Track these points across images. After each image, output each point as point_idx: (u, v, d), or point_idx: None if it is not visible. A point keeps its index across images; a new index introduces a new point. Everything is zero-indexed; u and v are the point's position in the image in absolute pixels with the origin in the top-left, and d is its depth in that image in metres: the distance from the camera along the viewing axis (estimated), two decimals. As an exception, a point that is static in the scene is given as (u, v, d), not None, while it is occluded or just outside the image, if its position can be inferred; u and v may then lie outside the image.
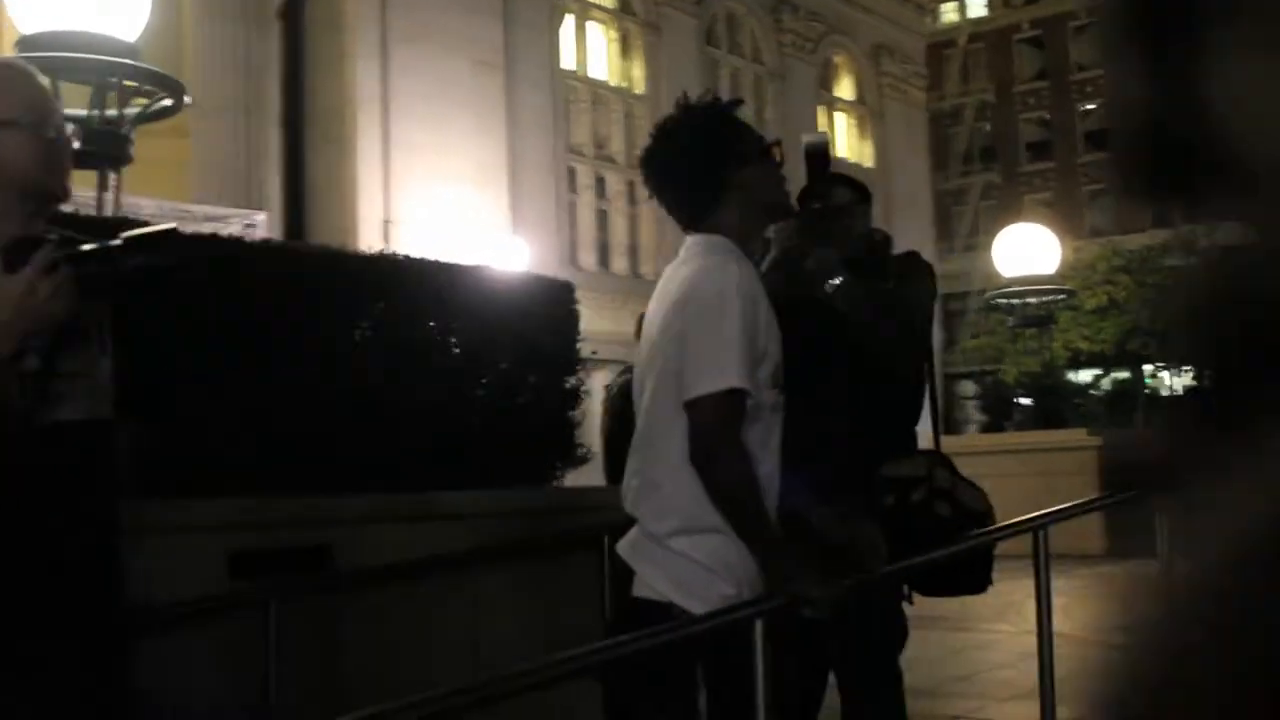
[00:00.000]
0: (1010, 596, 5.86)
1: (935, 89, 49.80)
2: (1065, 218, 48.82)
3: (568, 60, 28.60)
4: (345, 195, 22.61)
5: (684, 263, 3.10)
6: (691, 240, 3.12)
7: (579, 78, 29.00)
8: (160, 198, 19.33)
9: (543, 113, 26.89)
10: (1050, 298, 17.81)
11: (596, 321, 30.74)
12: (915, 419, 4.15)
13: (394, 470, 4.65)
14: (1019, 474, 13.56)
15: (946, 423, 27.45)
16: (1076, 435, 15.29)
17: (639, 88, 30.39)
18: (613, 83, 30.10)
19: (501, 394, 5.31)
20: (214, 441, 4.24)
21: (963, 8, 53.66)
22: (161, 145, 21.81)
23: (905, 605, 4.06)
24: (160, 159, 21.70)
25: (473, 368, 5.26)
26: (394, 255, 5.57)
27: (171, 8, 21.41)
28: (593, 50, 29.75)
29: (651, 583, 2.97)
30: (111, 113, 7.88)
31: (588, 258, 28.44)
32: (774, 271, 3.81)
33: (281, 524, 4.33)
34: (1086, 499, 5.33)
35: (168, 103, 8.33)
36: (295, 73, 23.95)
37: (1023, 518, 4.27)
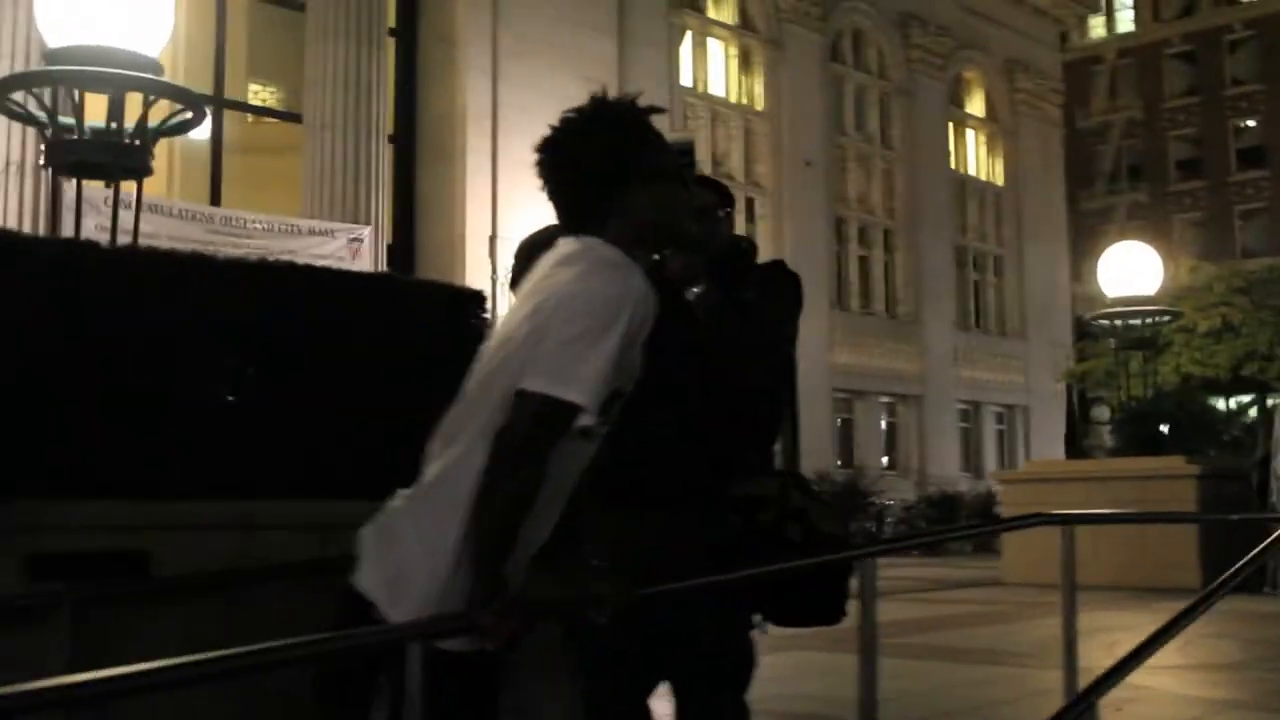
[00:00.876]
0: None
1: (1081, 105, 48.72)
2: (1215, 238, 47.46)
3: (685, 77, 28.55)
4: (453, 210, 22.86)
5: (573, 260, 2.77)
6: (579, 242, 2.80)
7: (697, 94, 28.92)
8: (269, 213, 19.76)
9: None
10: (1155, 319, 17.15)
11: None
12: (771, 436, 3.96)
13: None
14: (1105, 504, 12.74)
15: (1076, 448, 26.70)
16: (1173, 463, 14.52)
17: (759, 104, 30.20)
18: (732, 99, 29.96)
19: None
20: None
21: (1111, 23, 52.45)
22: (272, 162, 22.40)
23: (761, 635, 3.81)
24: (271, 175, 22.27)
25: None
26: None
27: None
28: (712, 67, 29.65)
29: (366, 578, 2.74)
30: (130, 126, 8.03)
31: (703, 275, 28.27)
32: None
33: (92, 528, 4.28)
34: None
35: (188, 116, 8.47)
36: (407, 88, 24.44)
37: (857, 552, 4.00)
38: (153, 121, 8.26)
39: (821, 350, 29.66)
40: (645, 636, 3.54)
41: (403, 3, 23.48)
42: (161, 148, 18.65)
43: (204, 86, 20.57)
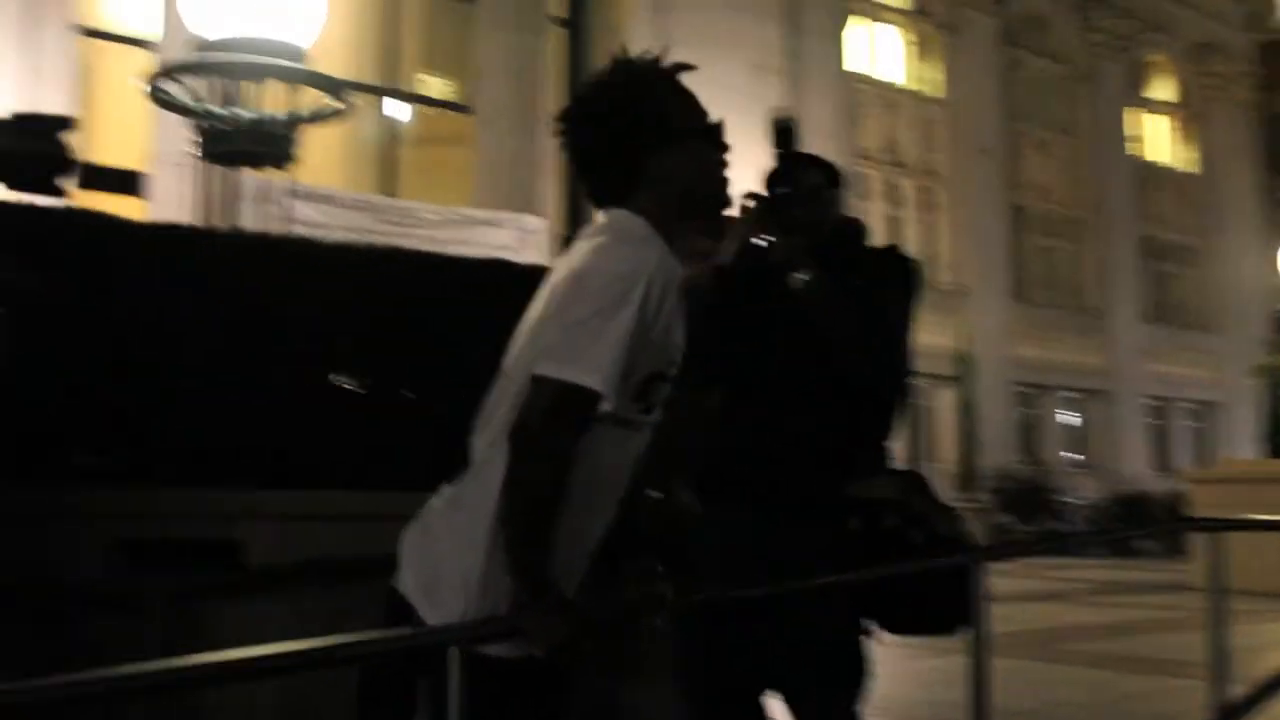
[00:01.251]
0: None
1: (1278, 89, 46.68)
2: None
3: (856, 64, 28.00)
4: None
5: (594, 235, 2.64)
6: (605, 216, 2.66)
7: (869, 81, 28.36)
8: (442, 204, 19.86)
9: (829, 118, 26.39)
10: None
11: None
12: (887, 433, 3.66)
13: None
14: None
15: (1276, 446, 25.51)
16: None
17: (934, 91, 29.51)
18: (906, 86, 29.32)
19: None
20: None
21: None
22: (445, 153, 22.56)
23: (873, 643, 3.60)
24: (443, 166, 22.42)
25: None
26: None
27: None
28: (884, 53, 29.07)
29: (404, 578, 2.62)
30: (278, 114, 8.13)
31: (878, 266, 27.72)
32: (737, 261, 3.44)
33: (182, 516, 4.16)
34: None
35: (338, 106, 8.53)
36: (576, 78, 24.44)
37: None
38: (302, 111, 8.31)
39: (1002, 343, 28.82)
40: (756, 639, 3.43)
41: (571, -8, 23.48)
42: (335, 138, 18.96)
43: (376, 79, 20.81)
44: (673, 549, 3.85)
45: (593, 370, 2.44)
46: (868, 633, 3.55)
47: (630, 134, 2.61)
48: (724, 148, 2.73)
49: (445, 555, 2.57)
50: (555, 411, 2.44)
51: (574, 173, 2.72)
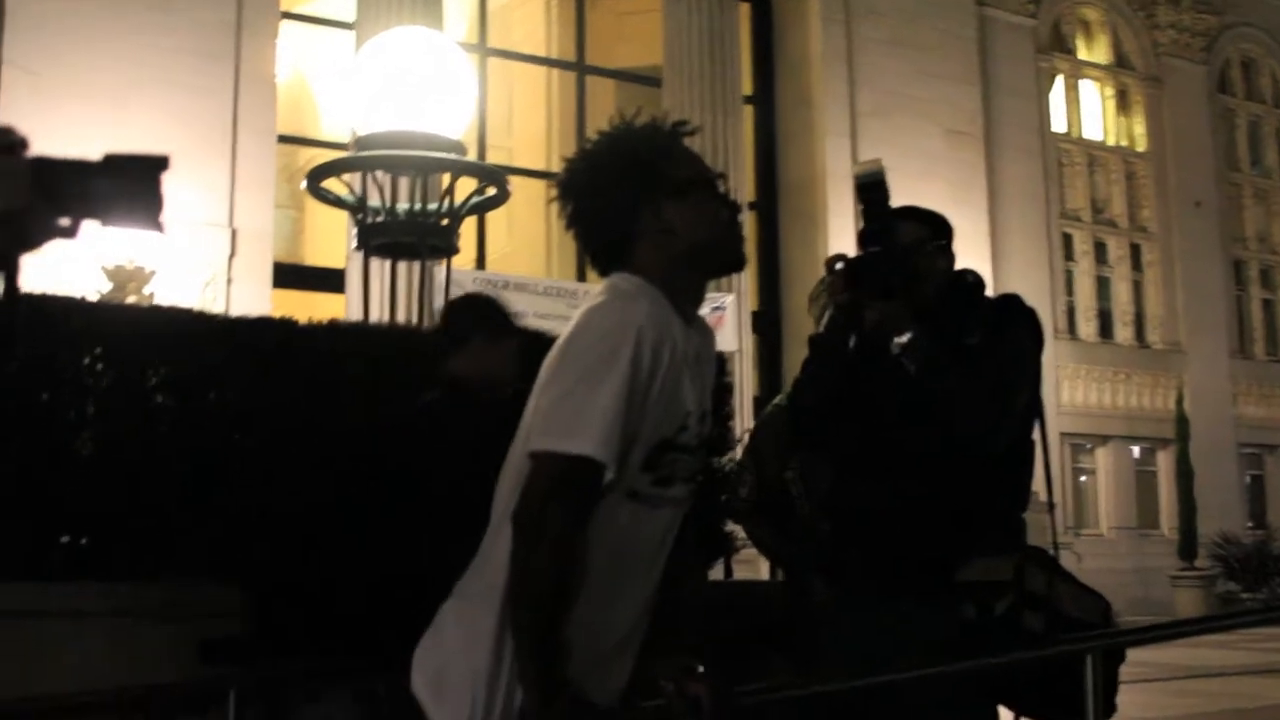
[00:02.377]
0: None
1: None
2: None
3: (1057, 123, 27.44)
4: (817, 275, 22.54)
5: (589, 301, 2.48)
6: (606, 280, 2.52)
7: (1071, 139, 27.70)
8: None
9: (1030, 179, 25.92)
10: None
11: (1096, 394, 29.26)
12: (1016, 503, 3.39)
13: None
14: None
15: None
16: None
17: (1140, 145, 28.68)
18: (1110, 142, 28.56)
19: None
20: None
21: None
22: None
23: None
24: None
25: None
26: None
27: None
28: (1086, 110, 28.40)
29: (414, 675, 2.45)
30: (434, 206, 8.29)
31: (1087, 327, 26.98)
32: (831, 328, 3.25)
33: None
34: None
35: (492, 193, 8.66)
36: (766, 154, 24.55)
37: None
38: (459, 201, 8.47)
39: (1224, 403, 27.66)
40: None
41: (759, 70, 23.59)
42: (537, 227, 19.33)
43: (569, 166, 21.23)
44: (804, 639, 3.79)
45: (588, 438, 2.28)
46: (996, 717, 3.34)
47: (623, 190, 2.49)
48: (731, 204, 2.58)
49: (452, 651, 2.42)
50: (555, 488, 2.29)
51: (577, 242, 2.58)
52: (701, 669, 2.56)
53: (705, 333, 2.60)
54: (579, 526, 2.32)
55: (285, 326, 4.71)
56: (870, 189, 3.21)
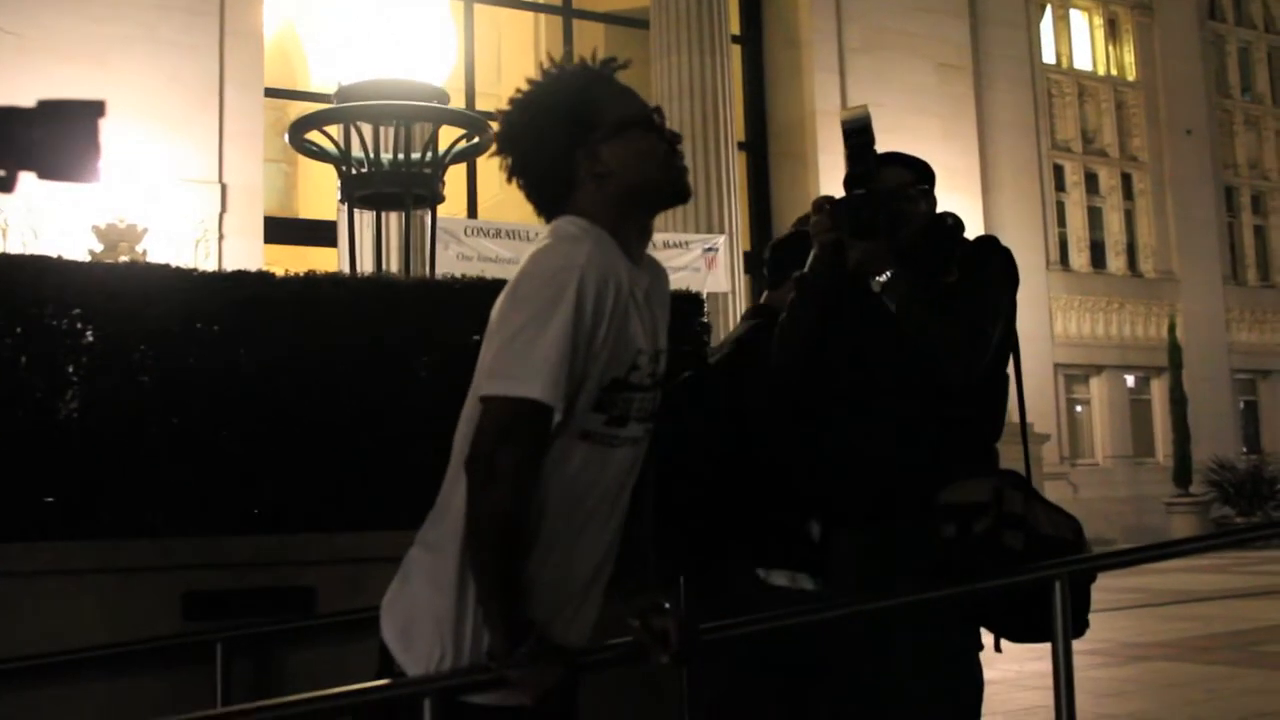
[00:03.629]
0: None
1: None
2: None
3: (1047, 54, 27.34)
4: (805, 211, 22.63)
5: (536, 245, 2.49)
6: (552, 224, 2.53)
7: (1061, 70, 27.62)
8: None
9: (1020, 111, 25.87)
10: None
11: (1090, 324, 29.29)
12: (989, 435, 3.53)
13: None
14: None
15: None
16: None
17: (1130, 74, 28.58)
18: (1100, 72, 28.46)
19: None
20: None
21: None
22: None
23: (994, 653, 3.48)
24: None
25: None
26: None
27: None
28: (1076, 40, 28.28)
29: (383, 625, 2.47)
30: (417, 156, 8.25)
31: (1079, 258, 27.01)
32: (816, 266, 3.34)
33: (248, 564, 4.29)
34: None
35: (475, 141, 8.62)
36: (755, 94, 24.45)
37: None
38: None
39: (1217, 329, 27.77)
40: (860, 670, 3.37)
41: (746, 9, 23.49)
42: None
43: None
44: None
45: (534, 381, 2.29)
46: (980, 646, 3.45)
47: (559, 134, 2.49)
48: (670, 136, 2.56)
49: (418, 599, 2.43)
50: (504, 431, 2.30)
51: (521, 190, 2.61)
52: (667, 605, 2.59)
53: (656, 271, 2.62)
54: (531, 468, 2.33)
55: (261, 279, 4.79)
56: (856, 134, 3.27)
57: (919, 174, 3.62)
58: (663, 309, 2.61)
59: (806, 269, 3.40)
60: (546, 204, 2.57)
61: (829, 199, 3.32)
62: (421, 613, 2.42)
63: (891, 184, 3.47)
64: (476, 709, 2.37)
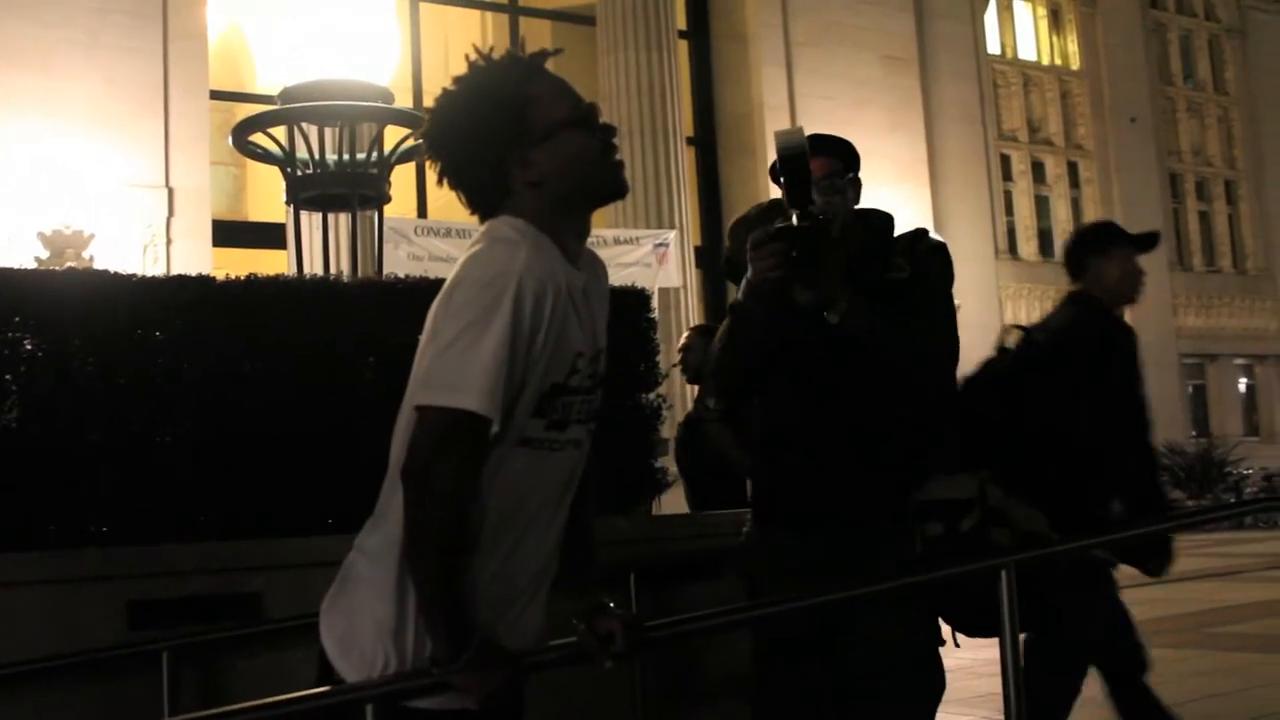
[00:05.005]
0: None
1: None
2: None
3: (992, 45, 27.55)
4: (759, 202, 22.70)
5: (471, 247, 2.40)
6: (487, 224, 2.44)
7: (1006, 60, 27.86)
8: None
9: (966, 102, 26.05)
10: None
11: (1039, 312, 29.72)
12: (946, 433, 3.54)
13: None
14: None
15: None
16: None
17: (1074, 63, 28.85)
18: (1044, 62, 28.71)
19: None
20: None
21: None
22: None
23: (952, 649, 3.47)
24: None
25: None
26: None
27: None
28: (1020, 31, 28.52)
29: (322, 631, 2.43)
30: (363, 156, 8.17)
31: (1028, 247, 27.23)
32: (755, 298, 3.24)
33: (194, 571, 4.27)
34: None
35: (420, 141, 8.53)
36: (703, 89, 24.45)
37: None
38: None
39: (1165, 315, 28.05)
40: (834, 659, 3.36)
41: (692, 5, 23.54)
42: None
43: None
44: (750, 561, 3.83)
45: (471, 392, 2.24)
46: (942, 642, 3.44)
47: (489, 142, 2.40)
48: (603, 131, 2.47)
49: (358, 606, 2.39)
50: (440, 443, 2.25)
51: (454, 190, 2.50)
52: (612, 605, 2.57)
53: (594, 268, 2.55)
54: (469, 479, 2.30)
55: (202, 283, 4.76)
56: (793, 158, 3.13)
57: (846, 161, 3.50)
58: (602, 307, 2.55)
59: (741, 296, 3.31)
60: (480, 207, 2.49)
61: (768, 233, 3.16)
62: (361, 619, 2.38)
63: (827, 170, 3.38)
64: (421, 714, 2.33)
